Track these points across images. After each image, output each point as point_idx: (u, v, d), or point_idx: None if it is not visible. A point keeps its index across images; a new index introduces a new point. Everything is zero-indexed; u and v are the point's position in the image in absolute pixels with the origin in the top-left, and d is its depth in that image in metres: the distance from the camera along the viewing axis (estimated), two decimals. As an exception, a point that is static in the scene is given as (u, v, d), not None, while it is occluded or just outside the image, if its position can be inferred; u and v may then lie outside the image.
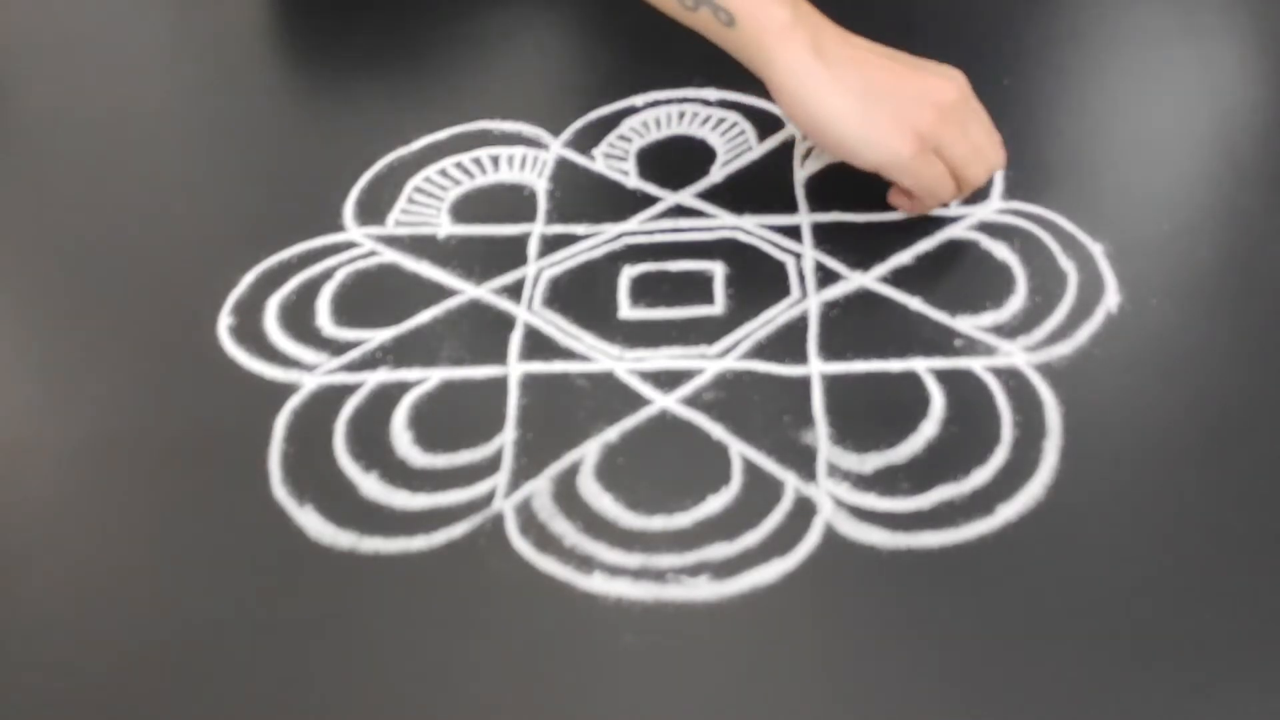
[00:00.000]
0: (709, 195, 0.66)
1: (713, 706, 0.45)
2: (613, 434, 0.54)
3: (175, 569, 0.51)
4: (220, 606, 0.50)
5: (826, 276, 0.60)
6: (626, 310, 0.60)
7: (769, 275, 0.61)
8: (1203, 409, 0.53)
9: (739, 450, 0.53)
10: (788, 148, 0.68)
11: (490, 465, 0.53)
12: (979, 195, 0.63)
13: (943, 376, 0.55)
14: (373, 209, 0.67)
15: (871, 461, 0.52)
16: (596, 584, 0.49)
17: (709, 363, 0.57)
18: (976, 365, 0.56)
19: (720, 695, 0.46)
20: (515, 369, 0.58)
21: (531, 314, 0.60)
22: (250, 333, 0.61)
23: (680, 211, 0.65)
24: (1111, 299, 0.58)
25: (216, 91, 0.78)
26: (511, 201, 0.67)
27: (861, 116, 0.56)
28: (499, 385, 0.57)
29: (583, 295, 0.61)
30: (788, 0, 0.56)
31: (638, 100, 0.72)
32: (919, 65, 0.58)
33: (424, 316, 0.61)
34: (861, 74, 0.56)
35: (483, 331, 0.60)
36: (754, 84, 0.71)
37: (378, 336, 0.60)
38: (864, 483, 0.51)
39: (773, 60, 0.56)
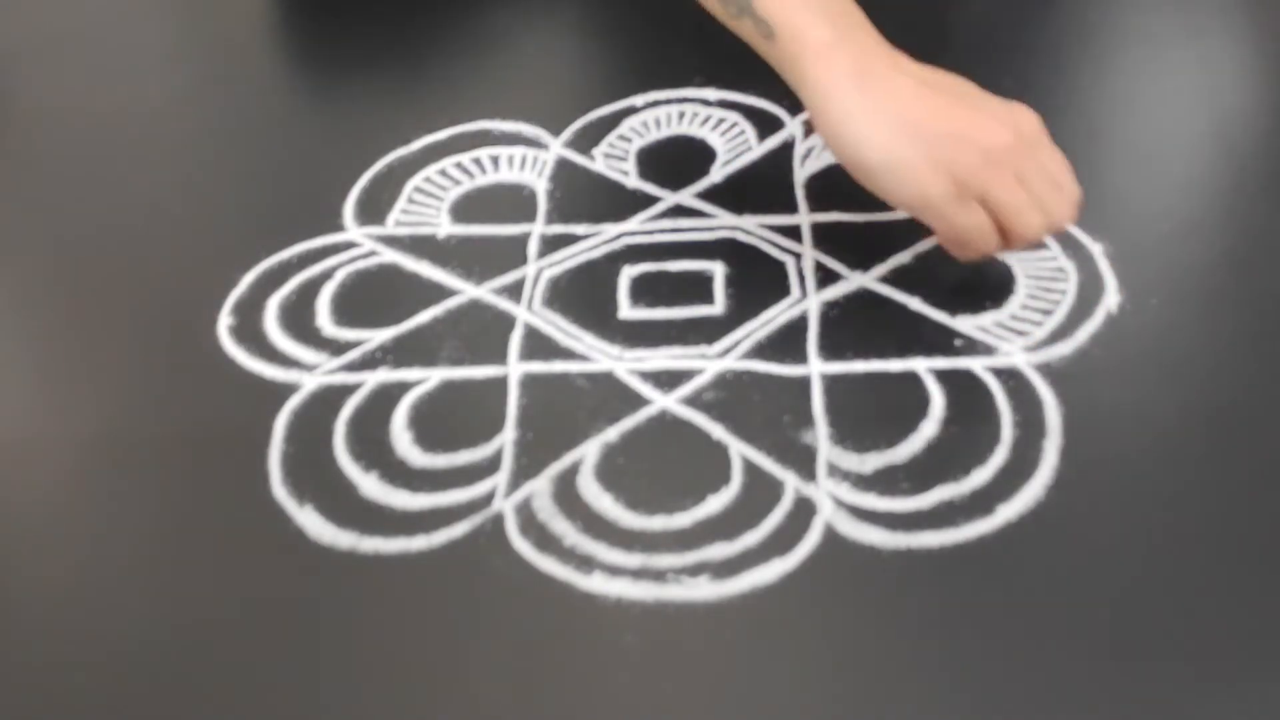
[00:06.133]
0: (709, 195, 0.66)
1: (713, 706, 0.45)
2: (613, 434, 0.54)
3: (175, 569, 0.51)
4: (220, 606, 0.50)
5: (826, 276, 0.60)
6: (626, 310, 0.60)
7: (769, 275, 0.61)
8: (1203, 409, 0.53)
9: (739, 450, 0.53)
10: (788, 148, 0.68)
11: (490, 465, 0.53)
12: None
13: (943, 376, 0.55)
14: (373, 209, 0.67)
15: (871, 461, 0.52)
16: (596, 584, 0.49)
17: (709, 363, 0.57)
18: (976, 365, 0.56)
19: (720, 695, 0.46)
20: (515, 369, 0.58)
21: (531, 314, 0.60)
22: (250, 333, 0.61)
23: (680, 211, 0.65)
24: (1111, 299, 0.58)
25: (217, 91, 0.78)
26: (511, 201, 0.67)
27: (893, 150, 0.51)
28: (499, 385, 0.57)
29: (583, 295, 0.61)
30: (833, 19, 0.53)
31: (638, 100, 0.72)
32: (976, 102, 0.53)
33: (424, 316, 0.61)
34: (902, 103, 0.51)
35: (483, 331, 0.60)
36: (754, 84, 0.72)
37: (378, 336, 0.60)
38: (864, 483, 0.51)
39: (806, 79, 0.52)
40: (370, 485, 0.53)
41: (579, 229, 0.65)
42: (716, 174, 0.67)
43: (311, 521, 0.52)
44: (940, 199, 0.52)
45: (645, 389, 0.56)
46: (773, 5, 0.53)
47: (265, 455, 0.55)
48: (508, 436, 0.55)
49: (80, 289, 0.65)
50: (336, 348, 0.60)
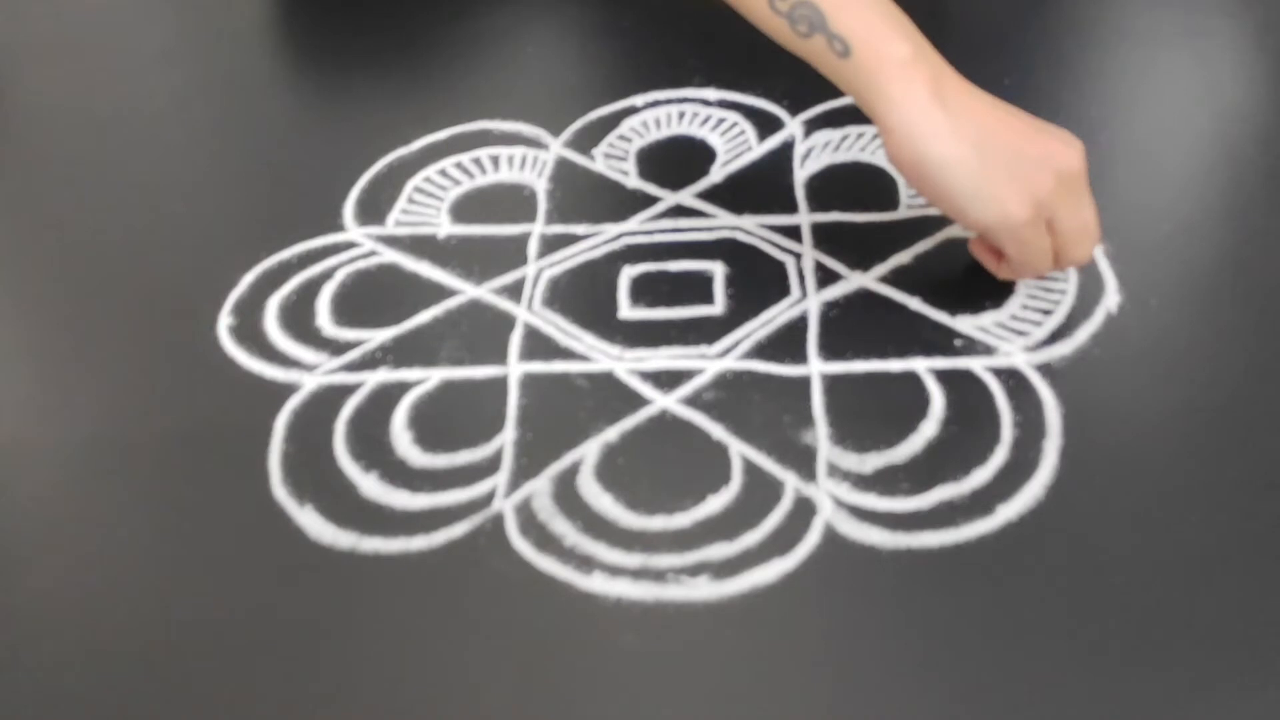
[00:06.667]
0: (709, 195, 0.66)
1: (713, 706, 0.45)
2: (613, 434, 0.54)
3: (175, 569, 0.51)
4: (220, 606, 0.50)
5: (826, 276, 0.60)
6: (626, 310, 0.60)
7: (769, 275, 0.61)
8: (1203, 409, 0.53)
9: (739, 450, 0.53)
10: (788, 148, 0.68)
11: (490, 465, 0.53)
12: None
13: (943, 376, 0.55)
14: (373, 209, 0.67)
15: (871, 461, 0.52)
16: (596, 584, 0.49)
17: (709, 363, 0.57)
18: (976, 365, 0.56)
19: (720, 695, 0.46)
20: (515, 369, 0.58)
21: (531, 314, 0.60)
22: (250, 333, 0.61)
23: (680, 211, 0.65)
24: (1111, 299, 0.58)
25: (216, 91, 0.78)
26: (511, 201, 0.67)
27: (977, 170, 0.51)
28: (499, 385, 0.57)
29: (583, 295, 0.61)
30: (910, 36, 0.52)
31: (638, 100, 0.72)
32: (1041, 127, 0.53)
33: (424, 316, 0.61)
34: (981, 125, 0.51)
35: (483, 331, 0.60)
36: (754, 84, 0.72)
37: (378, 336, 0.60)
38: (864, 483, 0.51)
39: (888, 96, 0.51)
40: (370, 485, 0.53)
41: (579, 229, 0.65)
42: (716, 174, 0.67)
43: (311, 521, 0.52)
44: (1021, 221, 0.52)
45: (645, 389, 0.56)
46: (850, 22, 0.51)
47: (265, 455, 0.55)
48: (508, 436, 0.55)
49: (80, 289, 0.65)
50: (336, 348, 0.60)
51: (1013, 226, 0.52)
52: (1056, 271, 0.57)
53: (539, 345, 0.59)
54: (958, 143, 0.51)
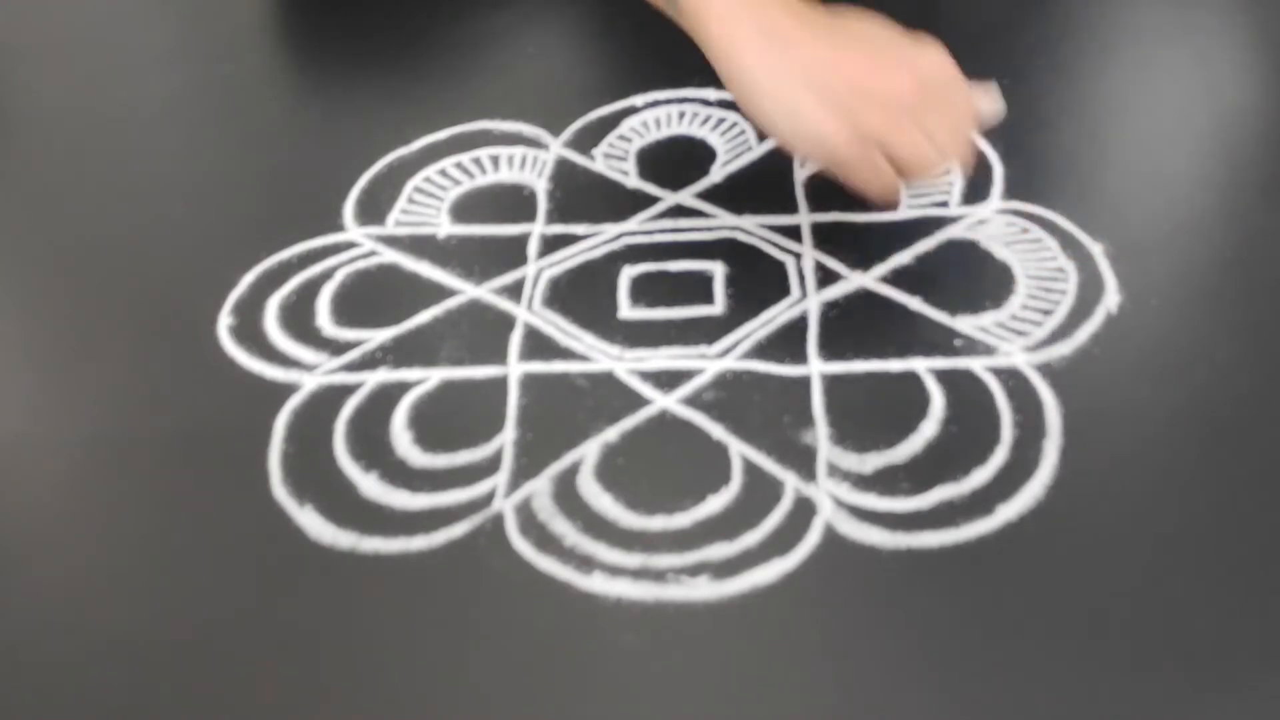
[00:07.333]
0: (709, 195, 0.66)
1: (713, 706, 0.45)
2: (613, 434, 0.54)
3: (175, 569, 0.51)
4: (220, 606, 0.50)
5: (826, 276, 0.60)
6: (626, 310, 0.60)
7: (769, 275, 0.61)
8: (1203, 409, 0.53)
9: (739, 450, 0.53)
10: (788, 148, 0.68)
11: (490, 465, 0.53)
12: (979, 194, 0.63)
13: (943, 376, 0.55)
14: (373, 209, 0.67)
15: (871, 461, 0.52)
16: (596, 584, 0.49)
17: (709, 363, 0.57)
18: (976, 365, 0.56)
19: (720, 695, 0.46)
20: (515, 369, 0.58)
21: (531, 314, 0.60)
22: (250, 333, 0.61)
23: (680, 211, 0.65)
24: (1111, 299, 0.58)
25: (216, 91, 0.78)
26: (511, 201, 0.67)
27: (791, 101, 0.54)
28: (499, 385, 0.57)
29: (583, 295, 0.61)
30: None
31: (638, 100, 0.72)
32: (882, 49, 0.55)
33: (424, 316, 0.61)
34: (805, 57, 0.54)
35: (483, 331, 0.60)
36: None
37: (378, 336, 0.60)
38: (864, 483, 0.51)
39: (709, 36, 0.55)
40: (370, 485, 0.53)
41: (579, 229, 0.65)
42: (716, 174, 0.67)
43: (311, 521, 0.52)
44: (843, 150, 0.54)
45: (645, 389, 0.56)
46: None
47: (265, 455, 0.55)
48: (508, 436, 0.55)
49: (80, 289, 0.65)
50: (336, 348, 0.60)
51: (831, 153, 0.55)
52: (909, 182, 0.58)
53: (539, 345, 0.59)
54: (775, 76, 0.53)
